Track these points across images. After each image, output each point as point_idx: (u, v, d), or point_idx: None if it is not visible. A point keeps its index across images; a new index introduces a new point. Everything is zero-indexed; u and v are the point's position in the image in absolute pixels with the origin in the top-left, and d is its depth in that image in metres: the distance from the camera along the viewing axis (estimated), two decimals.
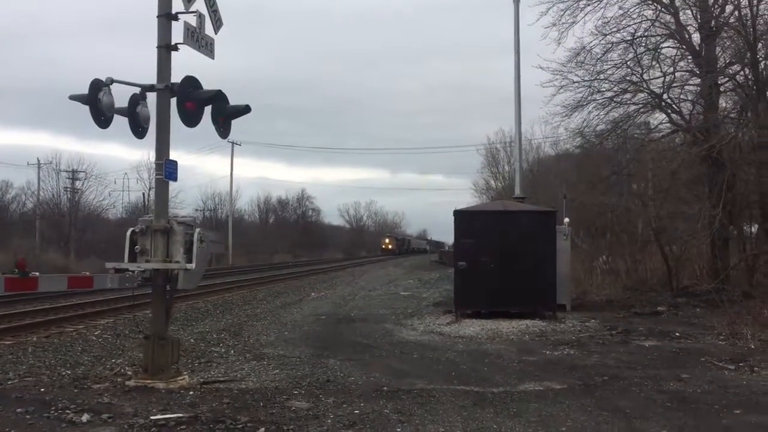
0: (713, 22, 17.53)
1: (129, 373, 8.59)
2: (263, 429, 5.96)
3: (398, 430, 6.13)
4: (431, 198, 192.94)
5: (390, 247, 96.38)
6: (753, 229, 19.49)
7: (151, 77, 8.11)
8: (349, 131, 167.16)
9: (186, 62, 8.43)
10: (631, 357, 10.30)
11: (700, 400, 7.43)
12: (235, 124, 8.61)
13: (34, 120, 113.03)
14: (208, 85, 8.21)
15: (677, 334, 12.51)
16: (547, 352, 10.85)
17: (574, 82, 18.22)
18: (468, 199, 63.80)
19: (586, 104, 18.35)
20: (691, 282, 20.07)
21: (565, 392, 7.82)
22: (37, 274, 6.82)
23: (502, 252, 14.73)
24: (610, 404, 7.18)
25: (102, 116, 7.81)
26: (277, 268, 42.16)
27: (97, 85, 7.72)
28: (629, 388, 8.04)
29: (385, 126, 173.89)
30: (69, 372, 8.91)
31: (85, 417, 6.23)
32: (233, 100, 8.41)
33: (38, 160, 54.48)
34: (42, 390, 7.62)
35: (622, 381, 8.46)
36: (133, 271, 7.77)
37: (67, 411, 6.45)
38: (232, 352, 10.74)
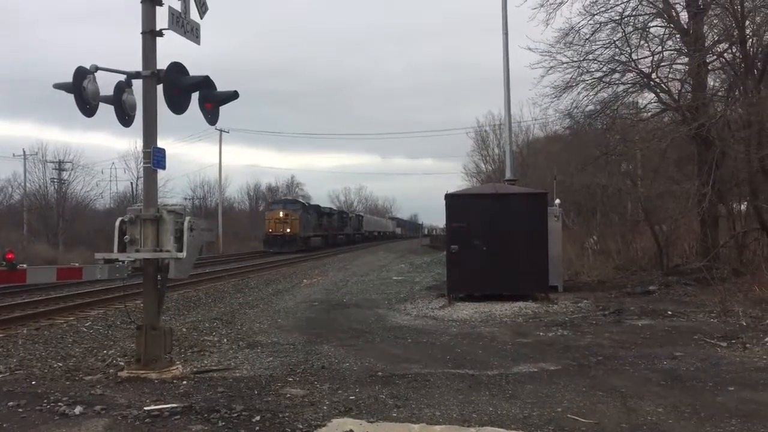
0: (701, 0, 17.48)
1: (121, 364, 8.52)
2: (259, 417, 5.92)
3: (394, 414, 6.10)
4: (422, 182, 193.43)
5: (288, 230, 48.54)
6: (742, 207, 19.56)
7: (135, 64, 8.00)
8: (338, 116, 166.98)
9: (167, 48, 8.31)
10: (624, 336, 10.33)
11: (694, 377, 7.46)
12: (223, 110, 8.46)
13: (17, 109, 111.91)
14: (191, 71, 8.11)
15: (669, 312, 12.57)
16: (541, 333, 10.87)
17: (562, 63, 18.19)
18: (458, 183, 64.07)
19: (575, 85, 18.33)
20: (682, 260, 20.22)
21: (560, 373, 7.83)
22: (25, 266, 6.71)
23: (493, 235, 14.73)
24: (605, 384, 7.20)
25: (87, 105, 7.68)
26: (268, 256, 42.02)
27: (82, 73, 7.58)
28: (623, 368, 8.06)
29: (374, 109, 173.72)
30: (60, 364, 8.83)
31: (77, 409, 6.17)
32: (218, 86, 8.31)
33: (24, 151, 54.02)
34: (33, 383, 7.55)
35: (616, 361, 8.48)
36: (123, 261, 7.68)
37: (60, 403, 6.38)
38: (225, 340, 10.68)
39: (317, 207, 60.65)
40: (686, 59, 17.58)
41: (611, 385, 7.16)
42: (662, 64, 17.88)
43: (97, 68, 7.68)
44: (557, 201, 19.02)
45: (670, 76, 18.31)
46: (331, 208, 69.70)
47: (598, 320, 12.10)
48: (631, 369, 8.00)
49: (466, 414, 6.09)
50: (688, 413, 6.06)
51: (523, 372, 7.95)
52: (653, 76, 17.94)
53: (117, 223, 7.86)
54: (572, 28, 17.86)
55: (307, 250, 49.53)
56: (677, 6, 17.91)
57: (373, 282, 22.19)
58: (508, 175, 20.64)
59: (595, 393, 6.80)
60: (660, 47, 17.76)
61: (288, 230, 48.99)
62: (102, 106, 7.98)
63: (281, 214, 49.61)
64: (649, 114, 19.56)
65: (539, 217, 15.00)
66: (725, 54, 17.25)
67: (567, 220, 24.55)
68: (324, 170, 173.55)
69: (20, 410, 6.22)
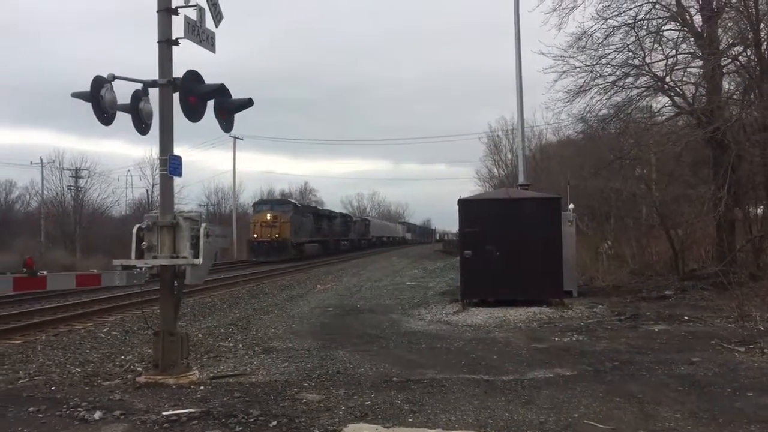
0: (715, 3, 17.40)
1: (139, 369, 8.60)
2: (275, 422, 5.95)
3: (410, 419, 6.12)
4: (434, 187, 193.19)
5: (277, 235, 42.50)
6: (759, 211, 19.41)
7: (150, 72, 8.09)
8: (351, 122, 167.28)
9: (183, 56, 8.39)
10: (641, 342, 10.28)
11: (712, 383, 7.41)
12: (237, 117, 8.58)
13: (35, 118, 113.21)
14: (206, 78, 8.19)
15: (686, 317, 12.49)
16: (556, 338, 10.83)
17: (575, 68, 18.16)
18: (471, 188, 63.98)
19: (588, 89, 18.27)
20: (698, 265, 20.06)
21: (576, 378, 7.80)
22: (46, 272, 6.79)
23: (507, 240, 14.70)
24: (622, 389, 7.17)
25: (105, 113, 7.77)
26: (282, 261, 42.02)
27: (99, 82, 7.67)
28: (640, 373, 8.03)
29: (387, 115, 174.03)
30: (79, 370, 8.92)
31: (97, 414, 6.23)
32: (232, 93, 8.38)
33: (41, 159, 54.60)
34: (53, 388, 7.63)
35: (632, 366, 8.44)
36: (140, 268, 7.76)
37: (79, 409, 6.44)
38: (241, 346, 10.74)
39: (314, 209, 55.67)
40: (700, 63, 17.50)
41: (628, 390, 7.13)
42: (676, 67, 17.81)
43: (114, 77, 7.77)
44: (571, 206, 18.97)
45: (684, 79, 18.21)
46: (331, 211, 63.65)
47: (613, 325, 12.04)
48: (648, 374, 7.96)
49: (482, 420, 6.09)
50: (706, 419, 6.03)
51: (538, 377, 7.94)
52: (667, 79, 17.86)
53: (134, 230, 7.95)
54: (585, 32, 17.84)
55: (301, 258, 44.24)
56: (691, 9, 17.86)
57: (386, 287, 22.21)
58: (521, 179, 20.60)
59: (611, 399, 6.77)
60: (674, 51, 17.70)
61: (277, 235, 42.46)
62: (118, 114, 8.07)
63: (268, 216, 43.15)
64: (664, 118, 19.46)
65: (553, 221, 14.95)
66: (740, 57, 17.15)
67: (581, 225, 24.44)
68: (337, 176, 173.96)
69: (40, 416, 6.29)
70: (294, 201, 52.21)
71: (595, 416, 6.14)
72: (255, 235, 43.41)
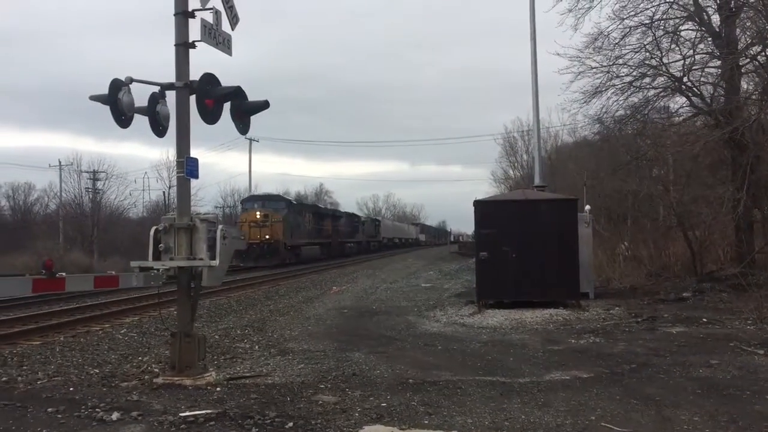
0: (733, 3, 17.24)
1: (156, 370, 8.65)
2: (291, 424, 5.97)
3: (426, 421, 6.11)
4: (450, 189, 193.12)
5: (267, 237, 37.89)
6: None
7: (166, 75, 8.15)
8: (367, 123, 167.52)
9: (198, 58, 8.44)
10: (658, 344, 10.19)
11: (731, 386, 7.34)
12: (252, 119, 8.61)
13: (53, 121, 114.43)
14: (221, 80, 8.24)
15: (704, 319, 12.37)
16: (573, 340, 10.78)
17: (592, 68, 18.06)
18: (487, 189, 63.73)
19: (605, 90, 18.17)
20: (716, 267, 19.84)
21: (593, 381, 7.76)
22: (64, 274, 6.85)
23: (523, 241, 14.65)
24: (639, 392, 7.12)
25: (122, 116, 7.84)
26: (298, 263, 42.00)
27: (117, 85, 7.74)
28: (658, 376, 7.96)
29: (403, 116, 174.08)
30: (97, 371, 8.99)
31: (115, 415, 6.28)
32: (248, 95, 8.42)
33: (59, 162, 55.16)
34: (71, 389, 7.70)
35: (650, 368, 8.38)
36: (157, 270, 7.81)
37: (97, 410, 6.50)
38: (257, 347, 10.77)
39: (314, 206, 50.60)
40: (719, 62, 17.33)
41: (646, 393, 7.07)
42: (694, 67, 17.66)
43: (132, 80, 7.83)
44: (587, 207, 18.84)
45: (702, 79, 18.06)
46: (335, 210, 59.86)
47: (631, 327, 11.96)
48: (666, 377, 7.90)
49: (499, 422, 6.07)
50: (726, 422, 5.97)
51: (555, 380, 7.90)
52: (685, 80, 17.72)
53: (152, 232, 8.00)
54: (601, 32, 17.74)
55: (298, 263, 39.70)
56: (708, 9, 17.69)
57: (402, 289, 22.19)
58: (537, 181, 20.54)
59: (629, 401, 6.72)
60: (691, 51, 17.55)
61: (267, 236, 37.51)
62: (136, 116, 8.13)
63: (258, 214, 37.85)
64: (681, 118, 19.32)
65: (569, 223, 14.88)
66: (759, 57, 16.97)
67: (597, 226, 24.27)
68: (353, 178, 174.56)
69: (59, 416, 6.35)
70: (288, 197, 45.76)
71: (613, 419, 6.10)
72: (243, 237, 36.74)
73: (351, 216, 62.10)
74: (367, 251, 62.09)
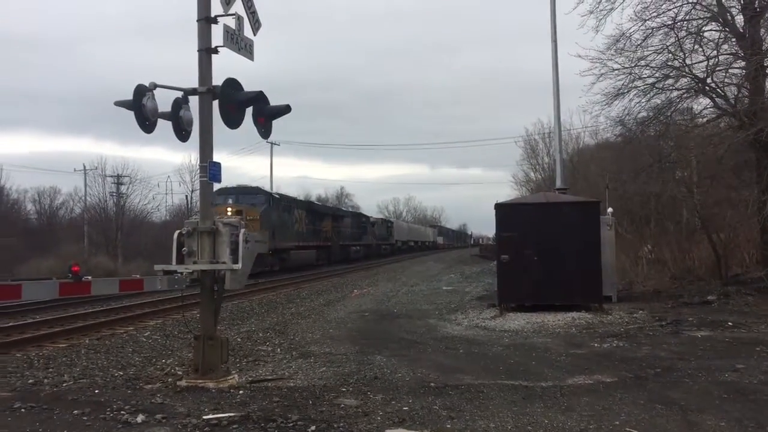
0: (757, 3, 17.04)
1: (179, 373, 8.72)
2: (314, 427, 5.99)
3: (448, 425, 6.10)
4: (470, 192, 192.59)
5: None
6: None
7: (188, 80, 8.23)
8: (387, 126, 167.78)
9: (218, 62, 8.50)
10: (683, 348, 10.09)
11: (758, 390, 7.24)
12: (274, 123, 8.67)
13: (78, 126, 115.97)
14: (242, 83, 8.30)
15: (729, 323, 12.22)
16: (596, 344, 10.69)
17: (613, 70, 17.91)
18: (508, 192, 63.37)
19: (627, 92, 18.02)
20: (741, 270, 19.60)
21: (616, 385, 7.69)
22: (90, 278, 6.97)
23: (545, 244, 14.58)
24: (664, 397, 7.05)
25: (147, 121, 7.94)
26: (319, 266, 41.94)
27: (141, 91, 7.84)
28: (683, 380, 7.88)
29: (423, 119, 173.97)
30: (121, 373, 9.09)
31: (139, 417, 6.34)
32: (269, 99, 8.48)
33: (84, 166, 55.71)
34: (96, 391, 7.79)
35: (674, 373, 8.29)
36: (181, 273, 7.89)
37: (122, 412, 6.56)
38: (279, 350, 10.82)
39: (308, 203, 43.39)
40: (743, 63, 17.14)
41: (670, 398, 7.00)
42: (718, 68, 17.46)
43: (156, 86, 7.93)
44: (610, 210, 18.70)
45: (726, 80, 17.85)
46: (337, 208, 53.84)
47: (654, 331, 11.84)
48: (691, 381, 7.81)
49: (521, 426, 6.04)
50: (753, 427, 5.89)
51: (578, 384, 7.84)
52: (708, 81, 17.52)
53: (175, 235, 8.08)
54: (623, 34, 17.60)
55: (284, 269, 34.13)
56: (732, 9, 17.48)
57: (423, 292, 22.17)
58: (558, 183, 20.41)
59: (653, 406, 6.66)
60: (715, 51, 17.35)
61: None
62: (159, 121, 8.23)
63: (229, 211, 27.89)
64: (705, 120, 19.11)
65: (591, 226, 14.78)
66: None
67: (620, 229, 24.06)
68: (373, 181, 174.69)
69: (85, 418, 6.43)
70: (269, 191, 37.49)
71: (637, 424, 6.04)
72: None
73: (357, 216, 56.18)
74: (377, 255, 56.43)
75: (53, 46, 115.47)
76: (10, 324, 14.44)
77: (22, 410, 6.74)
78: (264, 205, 32.57)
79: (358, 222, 53.49)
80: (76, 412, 6.64)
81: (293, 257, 36.25)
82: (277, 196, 36.16)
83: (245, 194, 32.91)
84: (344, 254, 48.61)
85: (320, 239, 42.19)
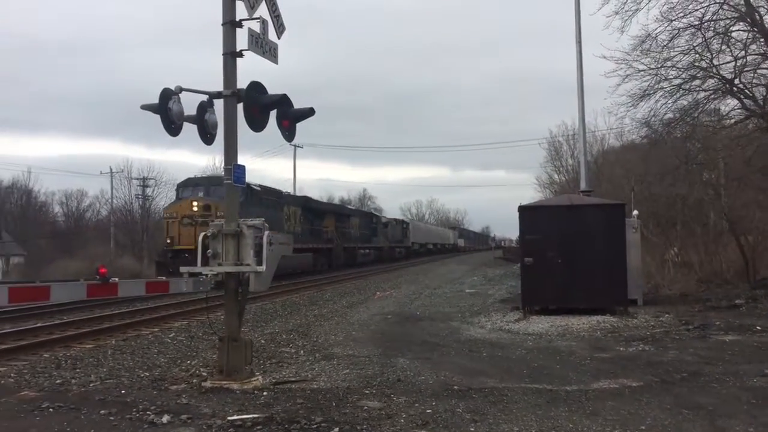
0: None
1: (204, 374, 8.79)
2: (337, 429, 6.01)
3: (472, 429, 6.07)
4: (493, 194, 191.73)
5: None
6: None
7: (213, 83, 8.30)
8: (410, 128, 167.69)
9: (242, 65, 8.55)
10: (710, 352, 9.95)
11: None
12: (297, 126, 8.71)
13: (105, 129, 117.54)
14: (265, 86, 8.35)
15: (758, 327, 12.04)
16: (621, 348, 10.58)
17: (639, 71, 17.78)
18: (531, 194, 63.00)
19: (653, 93, 17.87)
20: None
21: (642, 390, 7.61)
22: (117, 280, 7.06)
23: (569, 247, 14.46)
24: (691, 402, 6.95)
25: (172, 125, 8.02)
26: (341, 269, 41.83)
27: (167, 95, 7.92)
28: (710, 385, 7.77)
29: (446, 121, 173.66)
30: (147, 374, 9.18)
31: (165, 418, 6.41)
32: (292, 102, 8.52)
33: (111, 169, 56.47)
34: (122, 392, 7.88)
35: (702, 377, 8.18)
36: (206, 275, 7.95)
37: (148, 412, 6.64)
38: (302, 352, 10.86)
39: (303, 198, 37.73)
40: None
41: (697, 402, 6.91)
42: (746, 69, 17.24)
43: (181, 89, 8.00)
44: (635, 212, 18.51)
45: (754, 81, 17.62)
46: (341, 206, 48.88)
47: (681, 335, 11.70)
48: (719, 386, 7.70)
49: (545, 430, 6.01)
50: None
51: (603, 388, 7.77)
52: (736, 81, 17.31)
53: (200, 237, 8.16)
54: (649, 34, 17.44)
55: (274, 277, 21.81)
56: (761, 9, 17.25)
57: (445, 295, 22.12)
58: (583, 186, 20.28)
59: (680, 411, 6.57)
60: (743, 52, 17.13)
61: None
62: (184, 124, 8.30)
63: (195, 206, 25.54)
64: (732, 121, 18.89)
65: (617, 228, 14.64)
66: None
67: (646, 232, 23.82)
68: (396, 183, 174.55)
69: (111, 418, 6.51)
70: (250, 183, 27.18)
71: (663, 429, 5.98)
72: (169, 240, 26.31)
73: (366, 215, 51.60)
74: (390, 259, 51.19)
75: (85, 52, 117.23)
76: (39, 325, 14.67)
77: (50, 410, 6.85)
78: (242, 198, 25.98)
79: (367, 222, 48.46)
80: (103, 412, 6.73)
81: (282, 261, 30.71)
82: (258, 188, 29.45)
83: (217, 186, 25.02)
84: (350, 258, 43.44)
85: (320, 241, 37.64)
